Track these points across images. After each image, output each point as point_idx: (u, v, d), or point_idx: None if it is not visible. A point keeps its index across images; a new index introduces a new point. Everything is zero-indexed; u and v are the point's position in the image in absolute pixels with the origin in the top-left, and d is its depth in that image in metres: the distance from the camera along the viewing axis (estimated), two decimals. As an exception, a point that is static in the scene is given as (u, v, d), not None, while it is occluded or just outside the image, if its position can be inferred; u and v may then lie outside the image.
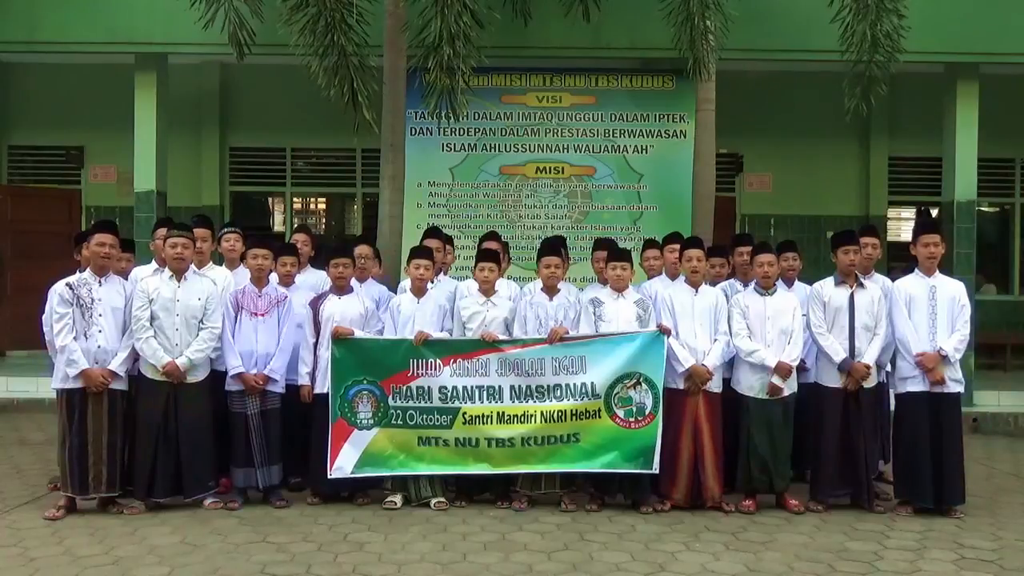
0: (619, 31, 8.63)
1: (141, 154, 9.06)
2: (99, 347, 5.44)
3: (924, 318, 5.75)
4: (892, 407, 6.10)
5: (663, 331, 5.72)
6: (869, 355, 5.76)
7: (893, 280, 6.06)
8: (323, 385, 5.80)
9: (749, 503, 5.74)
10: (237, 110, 11.50)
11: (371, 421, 5.72)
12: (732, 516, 5.64)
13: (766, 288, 5.85)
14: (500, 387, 5.73)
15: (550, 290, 5.97)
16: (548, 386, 5.74)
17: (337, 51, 6.65)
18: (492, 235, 6.72)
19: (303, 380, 5.89)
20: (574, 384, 5.73)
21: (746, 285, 6.15)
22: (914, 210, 12.07)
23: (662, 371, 5.70)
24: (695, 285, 5.89)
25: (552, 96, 9.23)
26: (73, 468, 5.36)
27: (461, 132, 8.94)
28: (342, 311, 5.86)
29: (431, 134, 8.84)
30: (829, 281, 5.93)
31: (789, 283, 6.16)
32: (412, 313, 5.89)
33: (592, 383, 5.71)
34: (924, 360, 5.66)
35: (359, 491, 5.82)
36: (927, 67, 9.03)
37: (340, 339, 5.73)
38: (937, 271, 5.84)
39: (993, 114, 9.48)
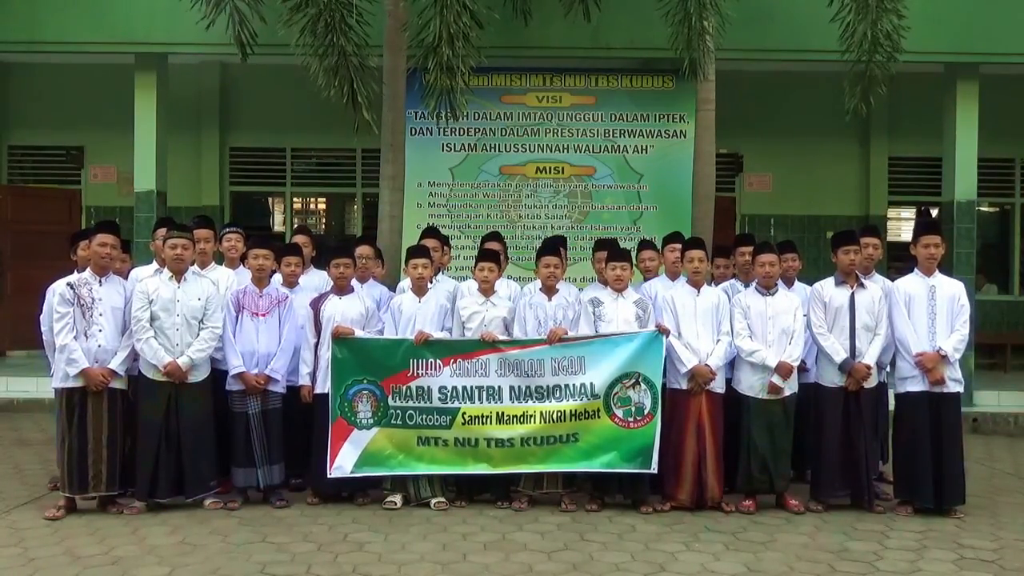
0: (619, 31, 8.62)
1: (141, 154, 9.06)
2: (99, 347, 5.44)
3: (923, 318, 5.75)
4: (891, 407, 6.09)
5: (662, 331, 5.72)
6: (870, 355, 5.76)
7: (893, 280, 6.06)
8: (324, 385, 5.81)
9: (749, 503, 5.74)
10: (237, 110, 11.49)
11: (371, 421, 5.72)
12: (732, 516, 5.64)
13: (767, 288, 5.85)
14: (499, 387, 5.73)
15: (549, 290, 5.97)
16: (547, 387, 5.74)
17: (337, 52, 6.65)
18: (493, 235, 6.72)
19: (303, 380, 5.89)
20: (573, 384, 5.73)
21: (747, 285, 6.15)
22: (914, 210, 12.07)
23: (660, 371, 5.71)
24: (697, 286, 5.89)
25: (552, 96, 9.21)
26: (72, 467, 5.36)
27: (461, 132, 8.92)
28: (343, 311, 5.86)
29: (431, 134, 8.82)
30: (830, 281, 5.92)
31: (789, 283, 6.17)
32: (413, 313, 5.89)
33: (591, 383, 5.71)
34: (923, 360, 5.66)
35: (359, 491, 5.83)
36: (927, 67, 9.03)
37: (341, 339, 5.74)
38: (937, 271, 5.84)
39: (993, 114, 9.47)
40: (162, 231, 5.95)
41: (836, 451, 5.77)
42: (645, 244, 6.64)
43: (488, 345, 5.74)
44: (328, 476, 5.68)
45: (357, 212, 11.95)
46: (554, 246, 6.13)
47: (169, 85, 9.39)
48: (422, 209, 9.01)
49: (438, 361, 5.73)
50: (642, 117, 9.15)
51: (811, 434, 5.91)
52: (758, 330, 5.79)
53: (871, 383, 5.83)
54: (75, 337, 5.39)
